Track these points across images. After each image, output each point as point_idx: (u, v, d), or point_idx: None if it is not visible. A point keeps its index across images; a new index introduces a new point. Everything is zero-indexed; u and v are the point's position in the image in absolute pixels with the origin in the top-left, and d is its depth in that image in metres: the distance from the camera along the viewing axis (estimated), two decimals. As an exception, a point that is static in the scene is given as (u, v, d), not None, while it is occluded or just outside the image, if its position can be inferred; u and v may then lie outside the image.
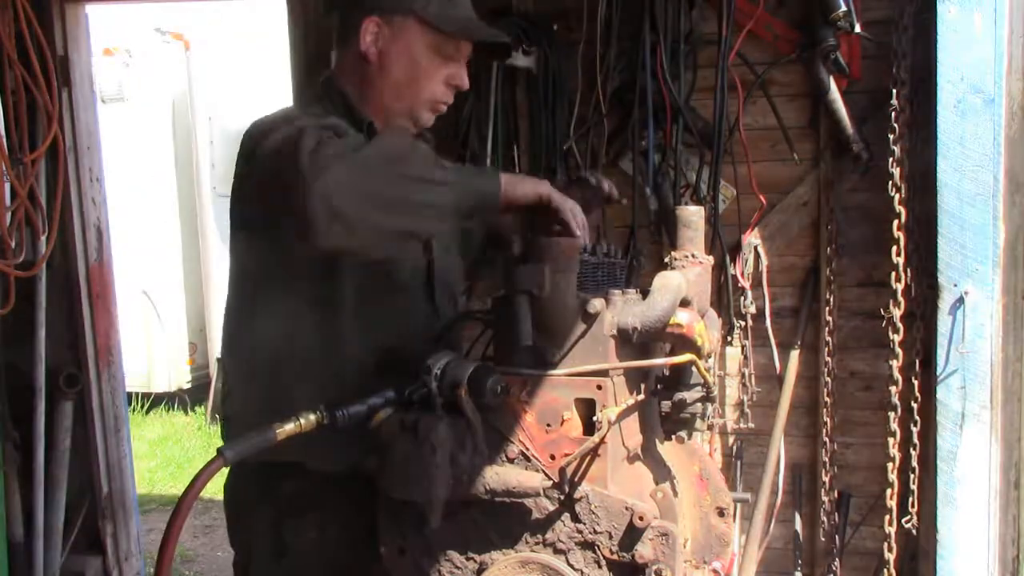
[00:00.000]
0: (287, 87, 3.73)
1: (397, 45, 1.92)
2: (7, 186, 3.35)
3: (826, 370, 3.48)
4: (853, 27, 3.24)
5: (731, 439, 3.62)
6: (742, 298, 3.51)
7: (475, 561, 1.69)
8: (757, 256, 3.51)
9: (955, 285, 2.67)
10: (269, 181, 1.72)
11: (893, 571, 3.15)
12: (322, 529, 1.93)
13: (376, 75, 1.94)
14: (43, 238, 3.64)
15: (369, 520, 1.83)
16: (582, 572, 1.63)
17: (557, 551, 1.64)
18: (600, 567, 1.62)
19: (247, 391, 1.99)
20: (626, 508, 1.58)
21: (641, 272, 3.52)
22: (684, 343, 1.67)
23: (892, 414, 3.11)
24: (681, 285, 1.66)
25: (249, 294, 1.94)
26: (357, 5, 1.94)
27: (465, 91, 3.61)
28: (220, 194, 8.28)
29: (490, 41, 2.04)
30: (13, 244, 3.39)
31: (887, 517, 3.13)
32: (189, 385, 8.54)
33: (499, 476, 1.61)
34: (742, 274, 3.50)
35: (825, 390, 3.48)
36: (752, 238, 3.50)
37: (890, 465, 3.12)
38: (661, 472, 1.81)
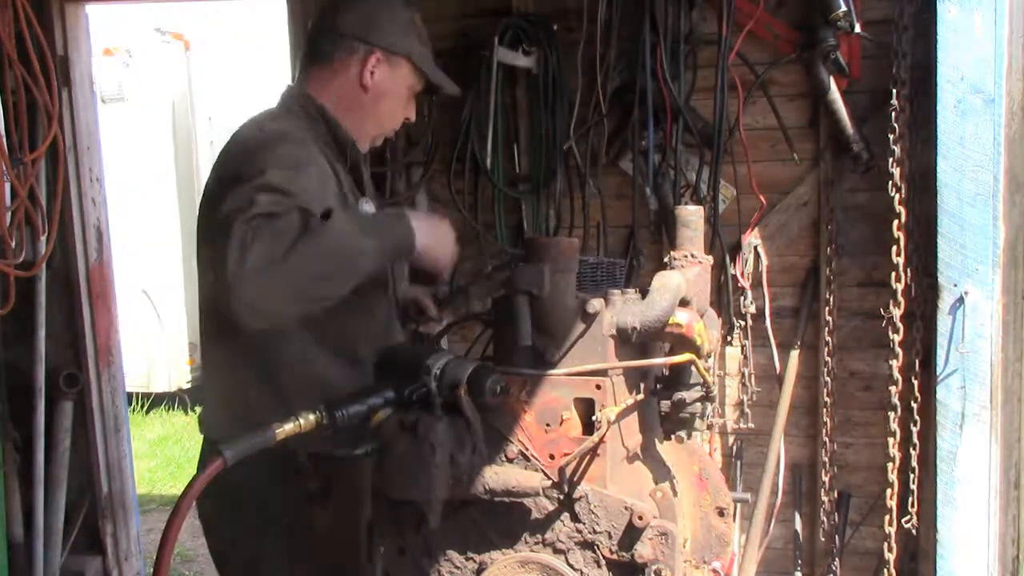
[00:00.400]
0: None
1: (393, 82, 2.13)
2: (7, 186, 3.34)
3: (826, 370, 3.48)
4: (853, 27, 3.24)
5: (731, 439, 3.62)
6: (742, 298, 3.51)
7: (474, 561, 1.69)
8: (757, 256, 3.51)
9: (955, 285, 2.67)
10: (208, 264, 1.88)
11: (893, 571, 3.15)
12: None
13: (368, 104, 2.13)
14: (43, 238, 3.64)
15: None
16: (582, 572, 1.63)
17: (557, 551, 1.64)
18: (599, 567, 1.62)
19: (229, 412, 2.07)
20: (625, 508, 1.58)
21: (641, 272, 3.52)
22: (683, 343, 1.67)
23: (892, 414, 3.11)
24: (680, 285, 1.66)
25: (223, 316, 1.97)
26: (360, 36, 2.09)
27: (466, 91, 3.66)
28: (220, 194, 8.27)
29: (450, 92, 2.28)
30: (13, 244, 3.39)
31: (887, 517, 3.13)
32: (189, 385, 8.54)
33: (498, 476, 1.61)
34: (742, 274, 3.50)
35: (825, 390, 3.48)
36: (752, 238, 3.50)
37: (890, 465, 3.12)
38: (660, 472, 1.81)
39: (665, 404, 1.79)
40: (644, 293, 1.68)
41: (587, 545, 1.62)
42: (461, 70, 3.63)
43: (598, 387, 1.59)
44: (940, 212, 2.67)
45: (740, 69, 3.43)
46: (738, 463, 3.60)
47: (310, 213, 1.80)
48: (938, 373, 2.69)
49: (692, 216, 1.85)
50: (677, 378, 1.78)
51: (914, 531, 3.10)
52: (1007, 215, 2.65)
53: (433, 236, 2.00)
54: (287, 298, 1.75)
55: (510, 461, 1.64)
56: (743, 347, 3.54)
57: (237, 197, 1.78)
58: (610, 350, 1.62)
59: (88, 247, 4.04)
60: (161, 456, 7.32)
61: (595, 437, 1.56)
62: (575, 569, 1.62)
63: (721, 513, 1.91)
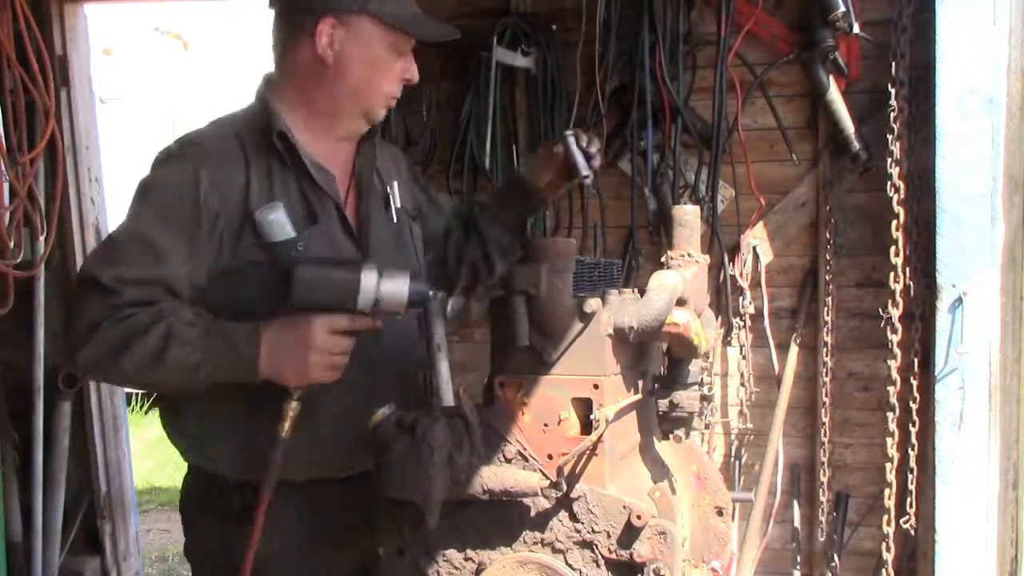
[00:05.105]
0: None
1: (354, 45, 1.89)
2: (6, 186, 3.34)
3: (824, 370, 3.48)
4: (852, 27, 3.24)
5: (731, 438, 3.62)
6: (741, 298, 3.51)
7: (473, 561, 1.69)
8: (756, 256, 3.51)
9: (954, 286, 2.67)
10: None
11: (891, 571, 3.15)
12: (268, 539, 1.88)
13: (333, 77, 1.91)
14: (42, 238, 3.64)
15: (315, 528, 1.93)
16: (580, 571, 1.63)
17: (555, 551, 1.63)
18: (598, 566, 1.62)
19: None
20: (624, 507, 1.58)
21: (640, 272, 3.52)
22: (681, 342, 1.67)
23: (890, 414, 3.11)
24: (677, 284, 1.66)
25: None
26: (305, 7, 1.89)
27: (465, 91, 3.65)
28: (219, 194, 8.29)
29: (443, 40, 2.02)
30: (12, 244, 3.38)
31: (885, 517, 3.13)
32: (188, 385, 8.54)
33: (496, 476, 1.61)
34: (741, 274, 3.50)
35: (823, 390, 3.48)
36: (751, 238, 3.50)
37: (888, 465, 3.12)
38: (659, 471, 1.81)
39: (663, 403, 1.79)
40: (643, 293, 1.68)
41: (586, 545, 1.62)
42: (460, 70, 3.63)
43: (596, 387, 1.59)
44: (939, 212, 2.67)
45: (739, 69, 3.43)
46: (737, 463, 3.61)
47: (172, 294, 1.81)
48: (937, 373, 2.69)
49: (689, 216, 1.85)
50: (675, 378, 1.78)
51: (912, 531, 3.10)
52: (1006, 215, 2.66)
53: (283, 360, 1.77)
54: (118, 382, 1.89)
55: (508, 461, 1.63)
56: (742, 347, 3.54)
57: (109, 250, 1.86)
58: (608, 350, 1.62)
59: (87, 247, 4.03)
60: (160, 456, 7.31)
61: (593, 436, 1.56)
62: (574, 569, 1.62)
63: (720, 512, 1.91)
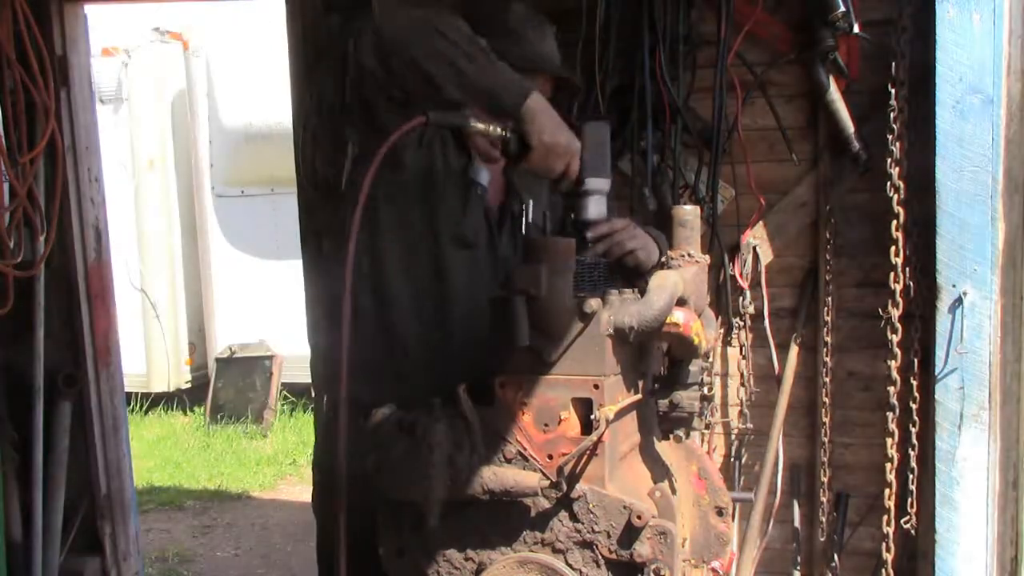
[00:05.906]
0: (286, 87, 3.73)
1: None
2: (6, 186, 3.35)
3: (824, 370, 3.47)
4: (852, 27, 3.24)
5: (731, 438, 3.62)
6: (741, 298, 3.51)
7: (473, 561, 1.69)
8: (756, 256, 3.51)
9: (953, 286, 2.68)
10: None
11: (891, 571, 3.15)
12: None
13: None
14: (42, 238, 3.64)
15: None
16: (581, 572, 1.63)
17: (556, 551, 1.64)
18: (599, 566, 1.62)
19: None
20: (624, 507, 1.58)
21: (640, 272, 3.52)
22: (681, 342, 1.67)
23: (890, 414, 3.11)
24: (677, 284, 1.66)
25: None
26: None
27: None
28: (220, 194, 8.29)
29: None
30: (12, 244, 3.39)
31: (885, 517, 3.13)
32: (188, 385, 8.55)
33: (496, 476, 1.61)
34: (741, 274, 3.50)
35: (823, 390, 3.48)
36: (751, 238, 3.50)
37: (888, 465, 3.12)
38: (659, 471, 1.81)
39: (663, 403, 1.80)
40: (642, 293, 1.68)
41: (586, 545, 1.62)
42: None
43: (596, 387, 1.59)
44: (939, 212, 2.68)
45: (739, 69, 3.43)
46: (737, 463, 3.60)
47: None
48: (937, 373, 2.70)
49: (688, 216, 1.85)
50: (675, 378, 1.78)
51: (913, 531, 3.10)
52: (1006, 215, 2.66)
53: (552, 123, 1.89)
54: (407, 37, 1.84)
55: (508, 461, 1.64)
56: (742, 347, 3.54)
57: None
58: (608, 350, 1.62)
59: (87, 247, 4.03)
60: (159, 456, 7.32)
61: (593, 436, 1.56)
62: (574, 569, 1.62)
63: (720, 512, 1.91)
